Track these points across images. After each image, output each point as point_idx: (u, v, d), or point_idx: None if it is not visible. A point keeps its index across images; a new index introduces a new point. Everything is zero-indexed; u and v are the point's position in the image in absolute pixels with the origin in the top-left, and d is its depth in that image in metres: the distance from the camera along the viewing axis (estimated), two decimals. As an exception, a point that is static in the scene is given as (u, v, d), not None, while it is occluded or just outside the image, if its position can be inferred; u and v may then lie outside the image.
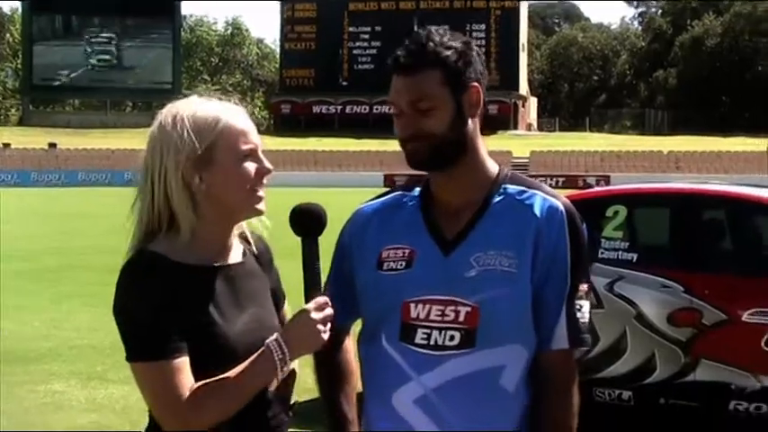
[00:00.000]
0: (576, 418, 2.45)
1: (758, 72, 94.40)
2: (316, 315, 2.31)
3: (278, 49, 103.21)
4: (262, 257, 2.52)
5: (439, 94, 2.37)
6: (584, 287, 2.45)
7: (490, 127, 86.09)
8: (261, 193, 2.38)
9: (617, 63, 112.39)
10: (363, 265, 2.49)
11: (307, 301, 2.33)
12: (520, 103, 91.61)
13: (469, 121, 2.42)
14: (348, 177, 63.95)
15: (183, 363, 2.25)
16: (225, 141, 2.33)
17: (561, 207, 2.42)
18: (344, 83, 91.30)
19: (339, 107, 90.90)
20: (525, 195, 2.44)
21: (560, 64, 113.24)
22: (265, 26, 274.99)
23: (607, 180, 64.49)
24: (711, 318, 6.60)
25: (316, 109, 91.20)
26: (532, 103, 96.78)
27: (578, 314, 2.44)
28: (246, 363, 2.29)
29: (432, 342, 2.37)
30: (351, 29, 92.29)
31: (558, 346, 2.41)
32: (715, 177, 32.33)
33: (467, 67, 2.40)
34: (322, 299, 2.34)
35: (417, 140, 2.39)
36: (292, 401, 2.51)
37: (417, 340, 2.38)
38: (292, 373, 2.44)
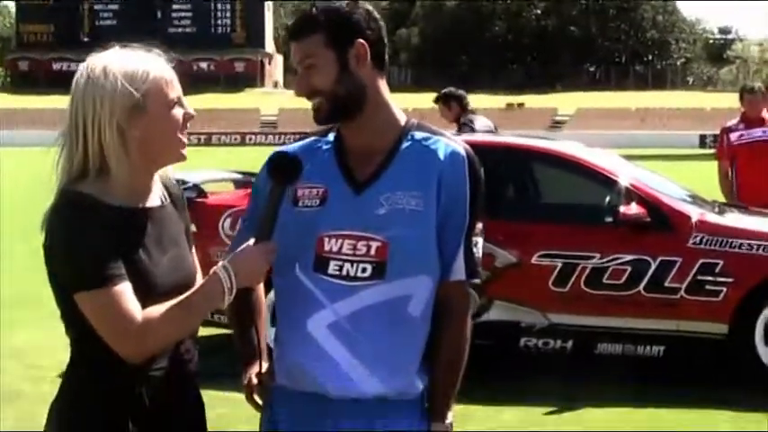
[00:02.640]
0: (469, 343, 2.71)
1: (495, 31, 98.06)
2: (265, 252, 2.47)
3: (13, 4, 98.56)
4: (177, 202, 2.64)
5: (321, 53, 2.58)
6: (479, 225, 2.71)
7: (237, 84, 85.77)
8: (184, 139, 2.52)
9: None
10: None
11: (257, 240, 2.47)
12: (266, 60, 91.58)
13: (361, 74, 2.60)
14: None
15: (129, 287, 2.36)
16: (155, 90, 2.45)
17: (463, 152, 2.65)
18: (86, 39, 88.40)
19: (80, 63, 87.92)
20: (430, 141, 2.66)
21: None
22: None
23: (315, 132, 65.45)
24: (503, 260, 7.07)
25: (56, 66, 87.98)
26: (278, 60, 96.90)
27: (474, 249, 2.70)
28: (196, 287, 2.43)
29: (344, 273, 2.57)
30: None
31: (455, 277, 2.64)
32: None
33: (349, 26, 2.60)
34: (273, 244, 2.49)
35: (313, 97, 2.61)
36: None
37: (330, 271, 2.57)
38: None
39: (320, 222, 2.60)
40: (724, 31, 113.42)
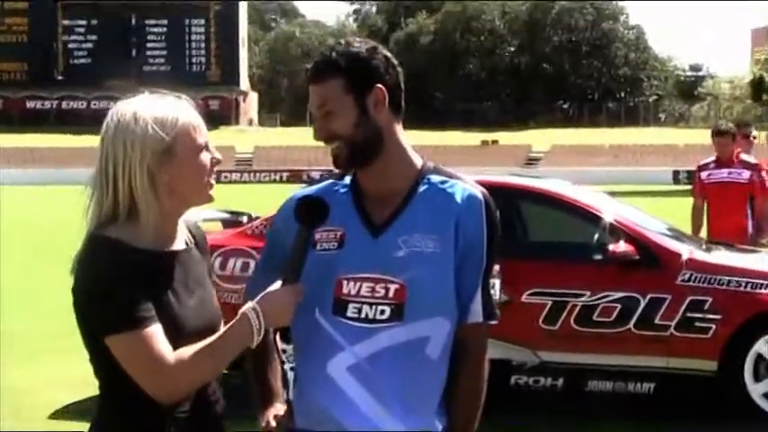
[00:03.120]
0: (486, 384, 2.75)
1: (469, 69, 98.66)
2: (293, 294, 2.50)
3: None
4: (200, 244, 2.68)
5: (340, 98, 2.61)
6: (496, 267, 2.74)
7: (212, 122, 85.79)
8: (213, 181, 2.56)
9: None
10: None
11: (284, 282, 2.51)
12: (241, 98, 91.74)
13: (379, 120, 2.64)
14: (70, 174, 62.03)
15: (160, 329, 2.39)
16: (184, 136, 2.50)
17: (480, 195, 2.69)
18: (60, 77, 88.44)
19: (55, 102, 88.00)
20: (447, 184, 2.70)
21: (279, 59, 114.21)
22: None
23: (331, 174, 65.73)
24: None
25: (30, 104, 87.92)
26: (253, 98, 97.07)
27: (492, 291, 2.73)
28: (225, 328, 2.47)
29: (363, 315, 2.60)
30: (65, 21, 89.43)
31: (473, 319, 2.68)
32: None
33: (369, 72, 2.63)
34: (300, 286, 2.52)
35: (332, 142, 2.63)
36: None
37: (349, 314, 2.60)
38: None
39: (339, 265, 2.63)
40: (695, 68, 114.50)
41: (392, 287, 2.60)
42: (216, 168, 2.57)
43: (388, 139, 2.66)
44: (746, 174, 9.77)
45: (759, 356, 6.99)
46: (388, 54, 2.70)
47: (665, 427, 7.01)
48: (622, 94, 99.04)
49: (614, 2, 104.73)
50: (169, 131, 2.47)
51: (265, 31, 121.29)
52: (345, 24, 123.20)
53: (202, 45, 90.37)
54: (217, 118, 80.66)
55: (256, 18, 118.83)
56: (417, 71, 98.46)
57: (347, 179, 2.75)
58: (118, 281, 2.38)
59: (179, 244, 2.58)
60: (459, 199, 2.67)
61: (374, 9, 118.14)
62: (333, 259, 2.63)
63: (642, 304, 7.01)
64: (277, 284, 2.51)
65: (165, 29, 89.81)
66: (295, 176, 59.25)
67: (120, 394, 2.46)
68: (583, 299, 7.08)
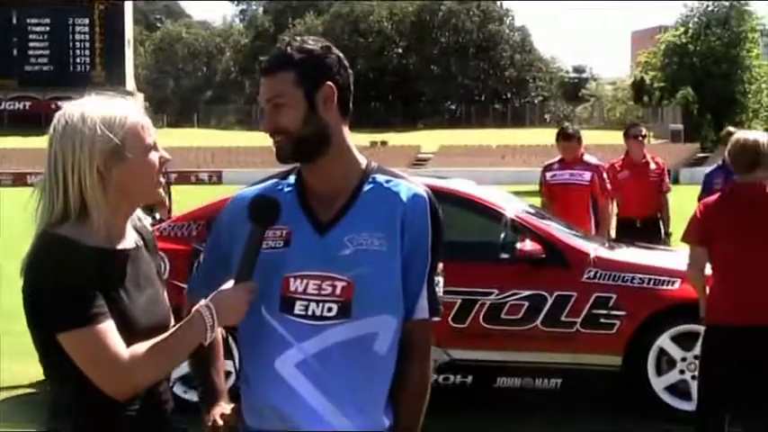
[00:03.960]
0: (431, 380, 2.81)
1: (357, 69, 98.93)
2: (245, 294, 2.52)
3: None
4: (149, 244, 2.70)
5: (291, 92, 2.64)
6: (440, 265, 2.79)
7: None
8: (162, 180, 2.58)
9: (222, 60, 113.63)
10: (242, 245, 2.67)
11: (237, 281, 2.53)
12: (127, 98, 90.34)
13: (327, 117, 2.67)
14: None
15: (113, 326, 2.40)
16: (133, 136, 2.51)
17: (424, 194, 2.74)
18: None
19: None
20: (392, 183, 2.74)
21: (165, 59, 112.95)
22: None
23: (219, 176, 65.30)
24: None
25: None
26: (139, 98, 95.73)
27: (436, 288, 2.77)
28: (179, 325, 2.49)
29: (310, 313, 2.62)
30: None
31: (419, 315, 2.72)
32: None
33: (321, 68, 2.67)
34: (253, 284, 2.55)
35: (278, 135, 2.66)
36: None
37: (296, 311, 2.63)
38: None
39: (285, 263, 2.65)
40: (578, 70, 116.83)
41: (339, 285, 2.63)
42: (165, 167, 2.58)
43: (334, 138, 2.69)
44: (588, 175, 9.98)
45: (661, 351, 7.18)
46: (341, 55, 2.73)
47: (571, 421, 7.15)
48: (509, 96, 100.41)
49: (500, 2, 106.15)
50: (117, 131, 2.48)
51: (151, 31, 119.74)
52: (232, 25, 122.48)
53: (87, 45, 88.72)
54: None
55: (142, 18, 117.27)
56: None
57: (291, 178, 2.78)
58: (70, 278, 2.38)
59: (129, 243, 2.59)
60: (404, 198, 2.71)
61: (261, 10, 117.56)
62: (279, 257, 2.65)
63: (549, 302, 7.15)
64: (230, 283, 2.53)
65: (47, 28, 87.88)
66: (183, 178, 58.46)
67: (70, 393, 2.46)
68: (491, 297, 7.19)
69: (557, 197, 9.94)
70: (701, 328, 5.83)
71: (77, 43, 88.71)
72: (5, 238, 18.55)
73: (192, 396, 6.33)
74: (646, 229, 10.08)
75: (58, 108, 2.60)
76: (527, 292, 7.18)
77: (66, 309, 2.37)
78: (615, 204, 10.41)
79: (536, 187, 10.51)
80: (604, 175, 10.04)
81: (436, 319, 2.79)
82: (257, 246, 2.58)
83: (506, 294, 7.18)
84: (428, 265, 2.72)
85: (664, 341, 7.15)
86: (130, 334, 2.43)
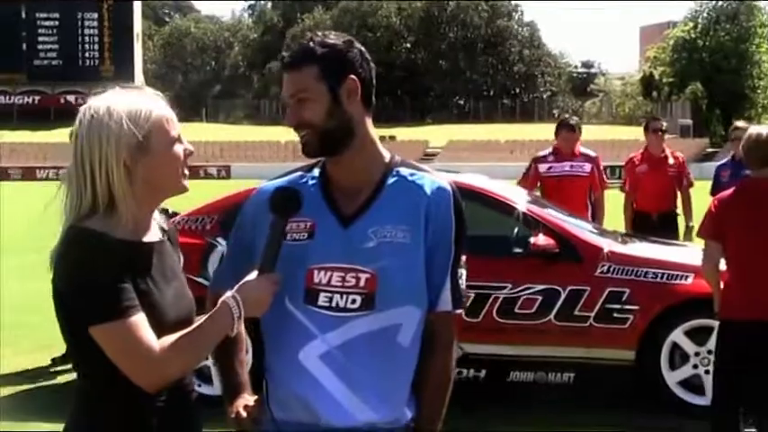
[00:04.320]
0: (454, 372, 2.82)
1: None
2: (269, 284, 2.55)
3: None
4: (171, 237, 2.73)
5: (314, 86, 2.65)
6: (463, 257, 2.81)
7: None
8: (186, 171, 2.61)
9: (230, 54, 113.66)
10: (266, 236, 2.69)
11: (260, 272, 2.55)
12: (148, 91, 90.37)
13: (351, 110, 2.69)
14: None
15: (144, 318, 2.42)
16: (158, 129, 2.54)
17: (448, 188, 2.76)
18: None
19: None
20: (416, 177, 2.76)
21: (174, 54, 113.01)
22: None
23: (228, 170, 65.39)
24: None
25: None
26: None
27: (459, 281, 2.79)
28: (206, 316, 2.50)
29: (334, 304, 2.64)
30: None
31: (442, 307, 2.74)
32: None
33: (343, 62, 2.69)
34: (277, 275, 2.57)
35: (303, 129, 2.67)
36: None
37: (320, 303, 2.65)
38: None
39: (309, 255, 2.67)
40: (587, 65, 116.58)
41: (363, 276, 2.64)
42: (189, 159, 2.61)
43: (358, 131, 2.71)
44: (588, 166, 10.05)
45: (675, 346, 7.20)
46: (363, 49, 2.75)
47: (584, 415, 7.16)
48: (517, 91, 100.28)
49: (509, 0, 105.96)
50: (143, 125, 2.51)
51: (160, 26, 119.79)
52: (241, 20, 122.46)
53: (96, 39, 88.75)
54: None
55: (150, 13, 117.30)
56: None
57: (316, 171, 2.80)
58: (101, 271, 2.40)
59: (154, 235, 2.61)
60: (428, 191, 2.73)
61: (269, 5, 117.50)
62: (303, 250, 2.67)
63: (562, 296, 7.17)
64: (253, 274, 2.55)
65: (56, 22, 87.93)
66: (192, 172, 58.40)
67: (102, 385, 2.48)
68: (505, 291, 7.20)
69: (553, 189, 9.89)
70: (715, 323, 5.85)
71: (86, 38, 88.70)
72: (8, 233, 18.65)
73: (207, 390, 6.39)
74: (662, 223, 10.06)
75: (67, 103, 2.62)
76: (540, 287, 7.19)
77: (98, 302, 2.39)
78: (632, 198, 10.44)
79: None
80: (601, 167, 10.07)
81: (459, 311, 2.81)
82: (280, 237, 2.60)
83: (520, 288, 7.20)
84: (451, 257, 2.74)
85: (677, 336, 7.16)
86: (159, 326, 2.45)
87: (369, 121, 2.76)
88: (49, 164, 65.47)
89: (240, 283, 2.55)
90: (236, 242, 2.84)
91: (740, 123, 10.50)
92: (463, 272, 2.82)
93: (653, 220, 10.13)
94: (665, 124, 10.80)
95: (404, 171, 2.77)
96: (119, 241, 2.46)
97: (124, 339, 2.39)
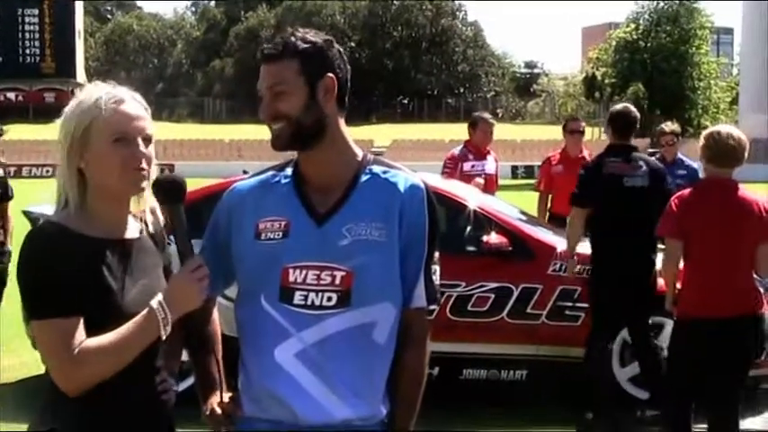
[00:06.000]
0: (427, 369, 2.85)
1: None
2: (192, 276, 2.55)
3: None
4: (157, 238, 2.72)
5: (293, 80, 2.67)
6: (436, 254, 2.83)
7: (47, 115, 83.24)
8: (140, 173, 2.56)
9: (173, 52, 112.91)
10: (240, 236, 2.73)
11: (182, 262, 2.57)
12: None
13: (326, 107, 2.71)
14: None
15: (78, 322, 2.42)
16: (98, 125, 2.53)
17: (421, 185, 2.79)
18: None
19: None
20: (389, 174, 2.79)
21: (116, 51, 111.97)
22: None
23: (171, 168, 64.88)
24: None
25: None
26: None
27: (433, 277, 2.82)
28: (130, 323, 2.48)
29: (309, 302, 2.66)
30: None
31: (416, 304, 2.78)
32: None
33: (323, 60, 2.71)
34: (196, 261, 2.58)
35: (277, 122, 2.68)
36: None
37: (296, 301, 2.66)
38: (178, 348, 2.65)
39: (284, 254, 2.68)
40: (530, 65, 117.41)
41: (338, 274, 2.66)
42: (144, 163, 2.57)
43: (331, 128, 2.73)
44: None
45: (625, 343, 7.28)
46: (342, 50, 2.77)
47: (536, 412, 7.22)
48: (461, 90, 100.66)
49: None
50: (83, 120, 2.52)
51: (102, 22, 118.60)
52: (184, 17, 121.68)
53: (36, 36, 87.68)
54: (53, 110, 78.16)
55: (92, 10, 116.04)
56: (256, 66, 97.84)
57: (288, 170, 2.81)
58: (48, 268, 2.41)
59: (131, 233, 2.59)
60: (401, 188, 2.75)
61: (212, 2, 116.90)
62: (278, 248, 2.68)
63: (515, 294, 7.22)
64: (176, 272, 2.58)
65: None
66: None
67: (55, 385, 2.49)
68: (458, 289, 7.24)
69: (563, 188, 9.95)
70: (665, 321, 5.93)
71: (27, 34, 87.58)
72: None
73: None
74: None
75: (7, 100, 2.62)
76: (493, 285, 7.24)
77: (40, 297, 2.41)
78: (545, 199, 10.34)
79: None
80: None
81: (434, 307, 2.84)
82: (180, 224, 2.61)
83: (473, 287, 7.24)
84: (425, 254, 2.77)
85: (627, 333, 7.23)
86: (114, 323, 2.45)
87: (341, 120, 2.79)
88: (-12, 162, 64.46)
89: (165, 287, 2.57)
90: (211, 244, 2.82)
91: (665, 126, 10.60)
92: (437, 268, 2.84)
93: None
94: (583, 125, 10.68)
95: (377, 169, 2.80)
96: (82, 236, 2.46)
97: (50, 339, 2.41)
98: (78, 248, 2.44)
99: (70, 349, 2.38)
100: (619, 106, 7.35)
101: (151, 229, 2.69)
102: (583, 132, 10.52)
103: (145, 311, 2.48)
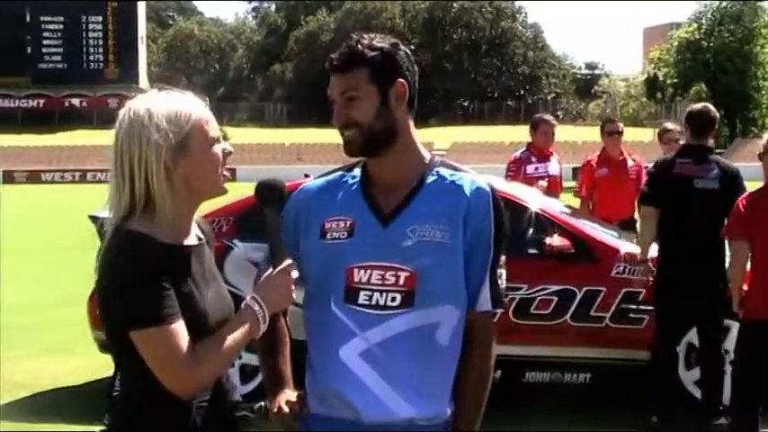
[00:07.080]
0: (492, 371, 2.87)
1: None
2: (286, 275, 2.59)
3: None
4: (209, 239, 2.75)
5: (365, 87, 2.70)
6: (503, 258, 2.83)
7: (111, 121, 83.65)
8: (226, 173, 2.64)
9: (234, 57, 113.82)
10: (307, 235, 2.76)
11: (274, 265, 2.60)
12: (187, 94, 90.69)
13: (397, 112, 2.73)
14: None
15: (183, 325, 2.45)
16: (197, 130, 2.56)
17: (487, 188, 2.79)
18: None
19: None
20: (456, 177, 2.80)
21: (178, 57, 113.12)
22: None
23: (233, 173, 65.38)
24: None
25: None
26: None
27: (499, 281, 2.82)
28: (233, 321, 2.54)
29: (374, 302, 2.68)
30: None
31: (481, 308, 2.78)
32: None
33: (392, 65, 2.73)
34: (290, 262, 2.62)
35: (350, 129, 2.71)
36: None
37: (360, 301, 2.68)
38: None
39: (349, 254, 2.70)
40: (591, 66, 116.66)
41: (402, 275, 2.67)
42: (228, 160, 2.63)
43: (401, 132, 2.75)
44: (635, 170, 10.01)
45: (690, 345, 7.20)
46: (409, 52, 2.79)
47: (600, 415, 7.17)
48: (521, 92, 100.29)
49: (512, 1, 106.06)
50: (183, 126, 2.53)
51: (164, 28, 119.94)
52: (245, 22, 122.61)
53: (100, 43, 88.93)
54: (116, 116, 79.62)
55: (154, 15, 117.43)
56: (317, 69, 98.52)
57: (356, 171, 2.83)
58: (145, 275, 2.42)
59: (193, 238, 2.63)
60: (467, 191, 2.76)
61: (273, 7, 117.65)
62: (343, 248, 2.71)
63: (578, 297, 7.17)
64: (269, 270, 2.61)
65: (61, 25, 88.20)
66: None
67: (147, 386, 2.49)
68: (520, 292, 7.21)
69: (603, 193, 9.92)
70: (732, 323, 5.85)
71: (91, 41, 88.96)
72: (11, 236, 18.68)
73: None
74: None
75: (71, 106, 2.64)
76: (556, 287, 7.20)
77: (139, 308, 2.42)
78: (590, 204, 10.16)
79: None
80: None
81: (499, 310, 2.83)
82: (276, 226, 2.66)
83: (536, 289, 7.20)
84: (490, 257, 2.78)
85: (693, 336, 7.15)
86: (201, 329, 2.49)
87: (411, 123, 2.81)
88: (53, 167, 65.56)
89: (258, 283, 2.61)
90: (287, 245, 2.84)
91: (668, 125, 10.46)
92: (503, 272, 2.84)
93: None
94: (621, 125, 10.45)
95: (443, 171, 2.81)
96: (161, 244, 2.48)
97: (160, 347, 2.42)
98: (160, 256, 2.46)
99: (188, 352, 2.42)
100: (698, 105, 7.24)
101: (203, 229, 2.73)
102: (621, 133, 10.31)
103: (243, 309, 2.54)
